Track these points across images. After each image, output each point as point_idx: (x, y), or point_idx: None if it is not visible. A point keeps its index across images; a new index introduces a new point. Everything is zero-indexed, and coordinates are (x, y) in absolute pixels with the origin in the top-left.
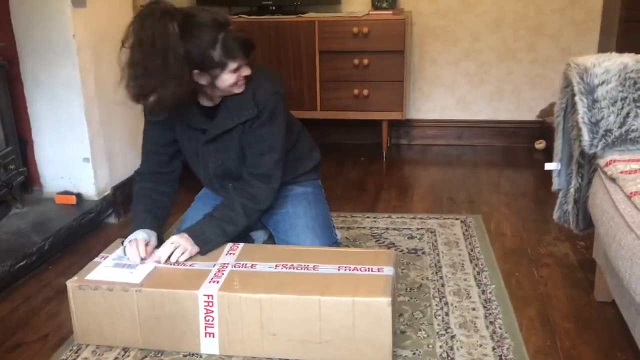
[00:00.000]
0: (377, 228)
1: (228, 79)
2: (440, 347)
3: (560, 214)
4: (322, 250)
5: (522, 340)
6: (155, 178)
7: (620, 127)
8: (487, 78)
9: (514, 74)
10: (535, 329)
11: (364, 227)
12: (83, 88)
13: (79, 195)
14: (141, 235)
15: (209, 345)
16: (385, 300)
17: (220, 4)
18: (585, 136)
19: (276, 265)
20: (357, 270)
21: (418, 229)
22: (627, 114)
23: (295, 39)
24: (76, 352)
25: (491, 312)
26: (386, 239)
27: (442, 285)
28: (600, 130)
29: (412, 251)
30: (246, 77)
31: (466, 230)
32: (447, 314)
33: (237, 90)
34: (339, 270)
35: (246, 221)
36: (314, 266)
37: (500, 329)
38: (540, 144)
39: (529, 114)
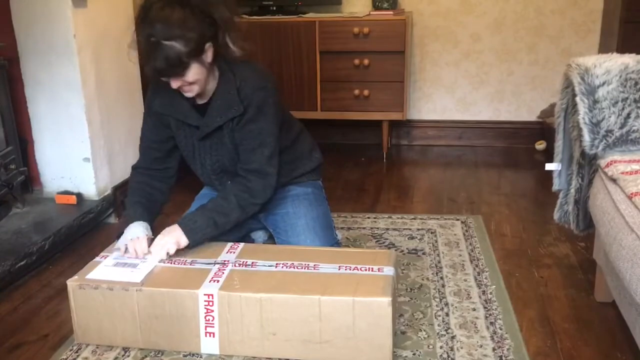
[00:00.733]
0: (378, 228)
1: (171, 84)
2: (441, 347)
3: (561, 215)
4: (322, 250)
5: (522, 340)
6: (149, 173)
7: (621, 128)
8: (488, 79)
9: (515, 74)
10: (536, 330)
11: (364, 228)
12: (83, 88)
13: (79, 195)
14: (142, 232)
15: (209, 345)
16: (386, 300)
17: None
18: (586, 137)
19: (276, 265)
20: (358, 270)
21: (418, 229)
22: (628, 115)
23: (295, 39)
24: (76, 352)
25: (491, 312)
26: (386, 239)
27: (443, 286)
28: (601, 131)
29: (413, 251)
30: (188, 85)
31: (466, 231)
32: (447, 315)
33: (186, 95)
34: (339, 270)
35: (240, 213)
36: (314, 266)
37: (501, 329)
38: (540, 145)
39: (530, 115)
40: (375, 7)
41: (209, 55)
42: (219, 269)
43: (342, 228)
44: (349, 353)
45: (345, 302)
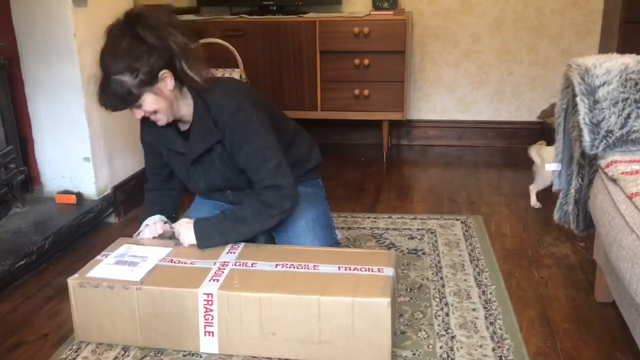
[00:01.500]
0: (378, 228)
1: (134, 115)
2: (441, 347)
3: (561, 215)
4: (322, 250)
5: (522, 340)
6: (159, 192)
7: (621, 128)
8: (488, 79)
9: (515, 74)
10: (536, 330)
11: (364, 228)
12: (84, 87)
13: (79, 195)
14: (158, 218)
15: (208, 344)
16: (385, 301)
17: (221, 4)
18: (586, 137)
19: (276, 265)
20: (357, 270)
21: (418, 229)
22: (629, 115)
23: (296, 39)
24: (76, 352)
25: (491, 312)
26: (386, 239)
27: (443, 286)
28: (602, 131)
29: (413, 251)
30: (152, 114)
31: (466, 231)
32: (447, 315)
33: (158, 123)
34: (339, 270)
35: (260, 224)
36: (314, 266)
37: (501, 329)
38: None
39: (529, 115)
40: (376, 7)
41: (168, 83)
42: (219, 269)
43: (342, 228)
44: (348, 353)
45: (345, 302)
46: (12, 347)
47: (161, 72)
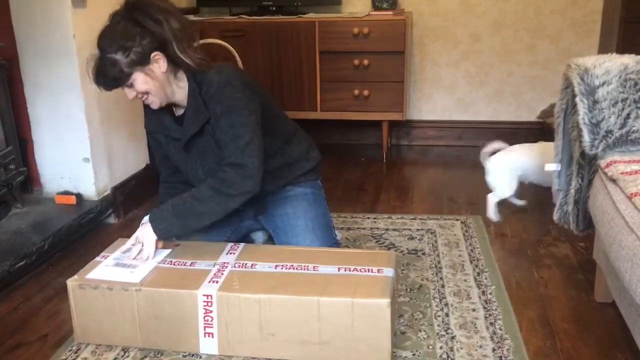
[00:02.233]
0: (377, 229)
1: (127, 95)
2: (441, 348)
3: (561, 215)
4: (322, 251)
5: (522, 341)
6: (172, 182)
7: (620, 128)
8: (487, 79)
9: (514, 75)
10: (535, 330)
11: (364, 228)
12: (83, 88)
13: (78, 196)
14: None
15: (208, 345)
16: (385, 302)
17: (221, 5)
18: (586, 137)
19: (276, 266)
20: (357, 271)
21: (418, 229)
22: (628, 115)
23: (295, 40)
24: (76, 352)
25: (491, 313)
26: (386, 239)
27: (442, 286)
28: (601, 132)
29: (412, 252)
30: (143, 95)
31: (466, 231)
32: (447, 315)
33: (151, 106)
34: (338, 271)
35: (215, 205)
36: (313, 267)
37: (501, 329)
38: None
39: (529, 115)
40: (375, 7)
41: (161, 65)
42: (219, 270)
43: (342, 228)
44: (348, 354)
45: (344, 303)
46: (12, 347)
47: (153, 54)
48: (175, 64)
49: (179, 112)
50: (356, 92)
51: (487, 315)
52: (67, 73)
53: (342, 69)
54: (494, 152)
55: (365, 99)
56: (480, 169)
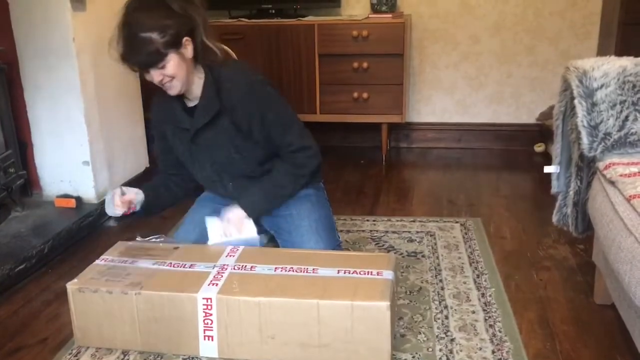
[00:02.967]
0: (377, 231)
1: (147, 78)
2: (440, 350)
3: (560, 217)
4: (321, 254)
5: (521, 343)
6: (166, 177)
7: (619, 131)
8: (487, 81)
9: (513, 77)
10: (535, 332)
11: (363, 230)
12: (83, 91)
13: (78, 199)
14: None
15: (208, 348)
16: (384, 305)
17: (220, 8)
18: (585, 139)
19: (275, 268)
20: (357, 274)
21: (418, 232)
22: (626, 117)
23: (294, 43)
24: (75, 356)
25: (491, 315)
26: (386, 242)
27: (442, 289)
28: (600, 134)
29: (412, 254)
30: (169, 80)
31: (466, 234)
32: (446, 317)
33: (170, 92)
34: (338, 273)
35: (296, 186)
36: (313, 269)
37: (500, 332)
38: (539, 147)
39: (529, 117)
40: (374, 10)
41: (188, 51)
42: (218, 272)
43: (341, 231)
44: (348, 357)
45: (344, 306)
46: (12, 351)
47: (184, 38)
48: (197, 52)
49: (190, 103)
50: (355, 94)
51: (487, 318)
52: (66, 76)
53: (342, 72)
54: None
55: (365, 101)
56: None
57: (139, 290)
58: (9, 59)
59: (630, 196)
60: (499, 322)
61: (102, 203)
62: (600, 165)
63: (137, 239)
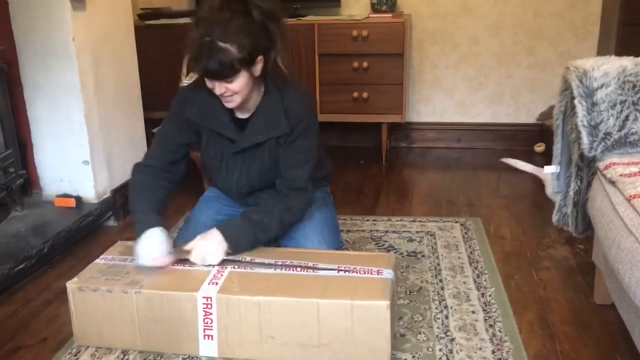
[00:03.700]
0: (377, 231)
1: (209, 85)
2: (440, 350)
3: (560, 217)
4: (321, 253)
5: (521, 343)
6: (156, 172)
7: (619, 130)
8: (487, 81)
9: (513, 77)
10: (535, 332)
11: (363, 230)
12: (83, 91)
13: (78, 199)
14: (160, 243)
15: (207, 348)
16: (384, 304)
17: None
18: (585, 139)
19: (275, 268)
20: (356, 273)
21: (418, 232)
22: (627, 117)
23: (294, 42)
24: (75, 355)
25: (491, 315)
26: (386, 241)
27: (442, 288)
28: (600, 134)
29: (412, 254)
30: (228, 94)
31: (466, 233)
32: (446, 317)
33: (227, 105)
34: (337, 273)
35: (280, 232)
36: (313, 269)
37: (500, 332)
38: (539, 147)
39: (528, 117)
40: (374, 9)
41: (258, 68)
42: (218, 271)
43: (341, 230)
44: (347, 356)
45: (344, 305)
46: (12, 350)
47: (259, 57)
48: (266, 70)
49: (242, 114)
50: (355, 94)
51: (487, 318)
52: (66, 76)
53: (342, 72)
54: None
55: (365, 101)
56: (479, 170)
57: (138, 289)
58: (9, 59)
59: (630, 196)
60: (499, 322)
61: (102, 203)
62: (601, 165)
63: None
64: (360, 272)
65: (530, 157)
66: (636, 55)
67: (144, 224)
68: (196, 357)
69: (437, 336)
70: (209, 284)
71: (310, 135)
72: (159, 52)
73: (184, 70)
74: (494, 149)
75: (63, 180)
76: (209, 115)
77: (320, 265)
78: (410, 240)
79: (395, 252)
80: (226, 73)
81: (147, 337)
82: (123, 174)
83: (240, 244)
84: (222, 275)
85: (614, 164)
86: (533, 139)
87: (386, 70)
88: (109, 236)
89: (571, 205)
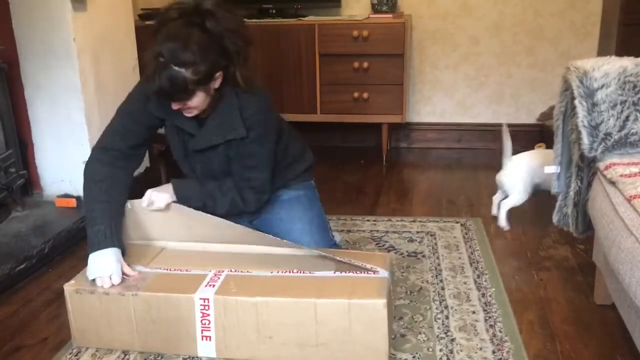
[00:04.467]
0: (377, 231)
1: (172, 105)
2: (440, 350)
3: (560, 217)
4: (318, 257)
5: (522, 343)
6: (114, 157)
7: (619, 131)
8: (487, 81)
9: (513, 77)
10: (535, 332)
11: (363, 230)
12: (83, 91)
13: (79, 199)
14: (113, 265)
15: (206, 349)
16: (381, 302)
17: None
18: (585, 139)
19: (272, 270)
20: (353, 272)
21: (418, 232)
22: (627, 118)
23: (295, 43)
24: (76, 356)
25: (491, 315)
26: (386, 242)
27: (442, 289)
28: (600, 134)
29: (412, 254)
30: (185, 108)
31: (466, 234)
32: (447, 317)
33: (186, 115)
34: (334, 272)
35: (225, 211)
36: (310, 269)
37: (500, 332)
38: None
39: (529, 118)
40: (375, 10)
41: (216, 83)
42: (215, 274)
43: (341, 231)
44: (345, 356)
45: (341, 304)
46: (12, 350)
47: (217, 74)
48: (226, 82)
49: (202, 114)
50: (356, 94)
51: (487, 318)
52: (67, 76)
53: (342, 72)
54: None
55: (365, 101)
56: (479, 170)
57: (135, 291)
58: (10, 59)
59: (630, 196)
60: (499, 322)
61: None
62: (601, 165)
63: (127, 205)
64: (356, 272)
65: None
66: (636, 56)
67: (99, 241)
68: (196, 358)
69: (437, 336)
70: (206, 286)
71: (265, 141)
72: None
73: None
74: (494, 149)
75: (64, 180)
76: (169, 109)
77: (317, 267)
78: (411, 240)
79: (395, 253)
80: (181, 96)
81: (145, 338)
82: None
83: (186, 204)
84: (219, 278)
85: (614, 164)
86: (533, 139)
87: (386, 70)
88: None
89: (571, 205)
